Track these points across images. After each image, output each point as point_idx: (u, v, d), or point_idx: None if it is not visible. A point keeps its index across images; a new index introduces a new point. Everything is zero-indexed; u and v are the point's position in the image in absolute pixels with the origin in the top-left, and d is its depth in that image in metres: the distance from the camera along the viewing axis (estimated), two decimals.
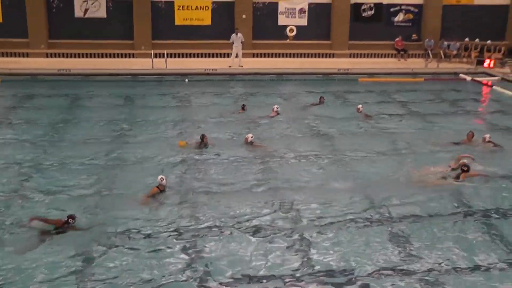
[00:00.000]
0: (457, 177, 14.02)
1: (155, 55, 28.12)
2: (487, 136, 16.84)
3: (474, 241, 11.04)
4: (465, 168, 14.05)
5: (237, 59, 28.94)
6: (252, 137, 16.53)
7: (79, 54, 30.46)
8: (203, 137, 16.31)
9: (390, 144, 17.35)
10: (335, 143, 17.29)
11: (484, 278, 9.72)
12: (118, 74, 26.95)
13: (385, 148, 16.92)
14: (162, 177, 12.90)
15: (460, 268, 10.01)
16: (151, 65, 27.55)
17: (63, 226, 10.81)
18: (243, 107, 20.71)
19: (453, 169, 14.48)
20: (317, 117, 20.21)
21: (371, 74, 28.78)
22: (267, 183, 13.83)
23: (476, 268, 10.05)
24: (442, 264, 10.09)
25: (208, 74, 27.66)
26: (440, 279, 9.62)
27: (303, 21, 32.79)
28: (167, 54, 28.15)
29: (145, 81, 26.60)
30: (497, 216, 12.25)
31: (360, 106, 20.91)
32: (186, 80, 26.64)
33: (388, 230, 11.40)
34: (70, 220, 10.85)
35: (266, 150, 16.23)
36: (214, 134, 17.51)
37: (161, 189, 12.82)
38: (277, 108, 20.35)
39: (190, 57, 31.23)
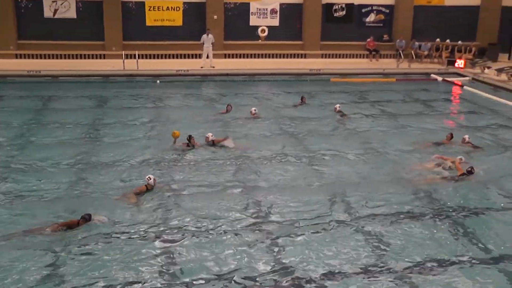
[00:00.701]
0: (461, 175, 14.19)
1: (126, 56, 27.87)
2: (466, 136, 16.96)
3: (448, 240, 11.08)
4: (472, 171, 14.13)
5: (209, 60, 28.79)
6: (212, 135, 16.43)
7: (49, 55, 30.06)
8: (190, 138, 16.12)
9: (363, 144, 17.34)
10: (308, 143, 17.20)
11: (458, 276, 9.74)
12: (89, 76, 26.68)
13: (358, 148, 16.92)
14: (149, 177, 13.00)
15: (435, 266, 10.02)
16: (123, 66, 27.33)
17: (77, 226, 10.89)
18: (227, 108, 20.61)
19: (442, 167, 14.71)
20: (293, 118, 20.19)
21: (343, 75, 28.85)
22: (244, 183, 13.69)
23: (451, 265, 10.07)
24: (416, 263, 10.10)
25: (180, 75, 27.52)
26: (415, 277, 9.63)
27: (275, 22, 32.80)
28: (138, 55, 27.93)
29: (116, 82, 26.36)
30: (471, 215, 12.29)
31: (337, 105, 21.04)
32: (158, 81, 26.46)
33: (362, 230, 11.37)
34: (81, 222, 10.91)
35: (245, 150, 16.13)
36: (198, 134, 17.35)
37: (148, 188, 12.86)
38: (255, 110, 20.23)
39: (162, 58, 31.02)
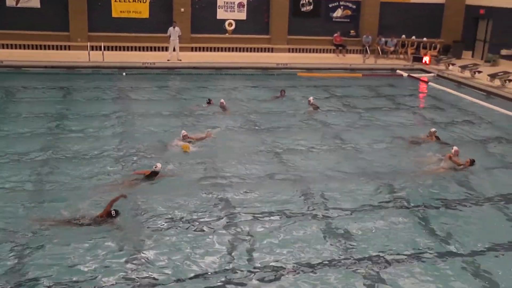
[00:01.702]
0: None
1: (92, 48, 27.46)
2: (433, 130, 17.20)
3: (412, 233, 11.21)
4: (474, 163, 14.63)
5: (175, 53, 28.56)
6: (184, 132, 16.22)
7: (11, 45, 29.35)
8: (184, 137, 15.91)
9: (330, 138, 17.44)
10: (275, 137, 17.21)
11: (423, 268, 9.88)
12: (53, 67, 26.23)
13: (324, 142, 17.03)
14: (156, 165, 13.27)
15: (399, 259, 10.14)
16: (88, 57, 26.92)
17: (106, 217, 10.92)
18: (209, 102, 20.52)
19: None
20: (259, 111, 20.25)
21: (310, 69, 28.95)
22: (214, 178, 13.67)
23: (416, 258, 10.21)
24: (381, 256, 10.20)
25: (146, 67, 27.24)
26: (381, 270, 9.72)
27: (242, 15, 32.69)
28: (104, 46, 27.53)
29: (81, 74, 25.96)
30: (435, 208, 12.46)
31: (311, 98, 21.14)
32: (124, 73, 26.16)
33: (328, 222, 11.46)
34: (113, 212, 10.92)
35: (213, 144, 16.06)
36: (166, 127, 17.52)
37: (152, 174, 13.13)
38: (224, 102, 20.29)
39: (128, 50, 30.65)
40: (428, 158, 15.52)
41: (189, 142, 15.79)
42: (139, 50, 30.83)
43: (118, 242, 10.27)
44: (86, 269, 9.32)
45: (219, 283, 9.13)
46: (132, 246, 10.16)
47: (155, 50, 30.87)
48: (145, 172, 13.29)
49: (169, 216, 11.44)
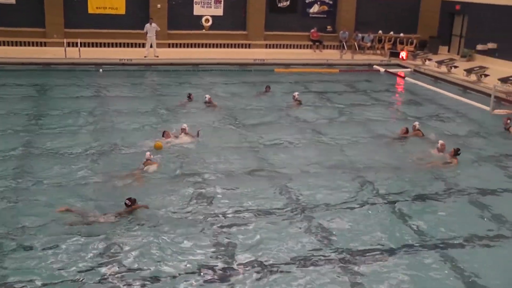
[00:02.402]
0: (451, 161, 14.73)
1: (68, 44, 27.15)
2: (416, 123, 17.30)
3: (391, 227, 11.32)
4: (459, 153, 14.81)
5: (152, 49, 28.37)
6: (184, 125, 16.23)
7: None
8: (164, 133, 15.76)
9: (307, 134, 17.50)
10: (256, 133, 17.22)
11: (403, 261, 9.99)
12: (29, 64, 25.90)
13: (302, 137, 17.06)
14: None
15: (379, 253, 10.24)
16: (64, 54, 26.63)
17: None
18: (189, 97, 20.49)
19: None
20: (238, 107, 20.24)
21: (287, 65, 28.97)
22: (193, 174, 13.62)
23: (395, 251, 10.31)
24: (361, 250, 10.28)
25: (123, 64, 27.06)
26: (361, 264, 9.81)
27: (219, 11, 32.55)
28: (81, 43, 27.23)
29: (58, 70, 25.70)
30: (414, 202, 12.61)
31: (296, 93, 21.24)
32: (101, 70, 25.94)
33: (307, 218, 11.48)
34: (127, 202, 11.17)
35: (191, 140, 15.97)
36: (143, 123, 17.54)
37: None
38: (209, 97, 20.29)
39: (104, 46, 30.31)
40: (411, 154, 15.74)
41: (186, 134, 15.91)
42: (116, 46, 30.50)
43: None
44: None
45: (201, 280, 9.14)
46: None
47: (132, 46, 30.56)
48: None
49: (148, 212, 11.38)
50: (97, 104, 20.06)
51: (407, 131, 17.31)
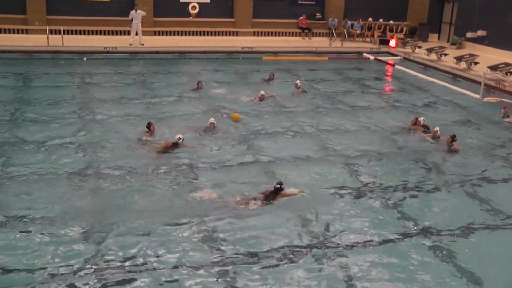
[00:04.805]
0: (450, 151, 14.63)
1: (51, 32, 26.59)
2: (422, 119, 16.83)
3: (379, 216, 11.09)
4: (455, 138, 14.68)
5: (137, 37, 27.80)
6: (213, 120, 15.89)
7: None
8: (149, 125, 15.13)
9: (295, 123, 17.11)
10: (242, 123, 16.76)
11: (390, 251, 9.75)
12: (10, 52, 25.32)
13: (291, 126, 16.73)
14: (179, 137, 13.96)
15: (367, 242, 10.01)
16: (47, 42, 26.04)
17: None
18: (198, 84, 20.28)
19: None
20: (225, 97, 19.71)
21: (275, 53, 28.59)
22: (176, 164, 13.24)
23: (383, 241, 10.10)
24: (348, 239, 10.07)
25: (107, 52, 26.52)
26: (348, 253, 9.59)
27: None
28: (64, 30, 26.66)
29: (40, 59, 25.13)
30: (403, 191, 12.34)
31: (298, 81, 20.98)
32: (85, 58, 25.41)
33: (295, 208, 11.15)
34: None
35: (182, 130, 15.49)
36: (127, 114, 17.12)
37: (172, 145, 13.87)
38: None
39: (89, 34, 29.69)
40: (404, 142, 15.63)
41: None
42: (100, 34, 29.90)
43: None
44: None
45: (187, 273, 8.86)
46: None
47: (117, 34, 29.98)
48: (167, 143, 13.94)
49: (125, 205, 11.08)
50: (81, 93, 19.57)
51: (415, 123, 16.80)
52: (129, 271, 8.78)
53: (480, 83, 21.52)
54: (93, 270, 8.76)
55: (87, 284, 8.40)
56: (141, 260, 9.10)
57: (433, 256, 9.62)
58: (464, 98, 21.16)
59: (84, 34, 29.58)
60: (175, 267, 8.97)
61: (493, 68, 23.46)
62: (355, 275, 8.94)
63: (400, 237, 10.25)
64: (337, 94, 21.09)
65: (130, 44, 27.58)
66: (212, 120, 15.81)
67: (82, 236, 9.77)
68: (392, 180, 12.92)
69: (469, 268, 9.22)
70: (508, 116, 17.94)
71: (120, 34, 29.82)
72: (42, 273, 8.63)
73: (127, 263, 9.00)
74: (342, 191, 12.12)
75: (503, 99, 20.64)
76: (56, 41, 26.20)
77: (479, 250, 9.91)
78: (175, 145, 13.84)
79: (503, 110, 18.18)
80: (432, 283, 8.81)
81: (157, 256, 9.24)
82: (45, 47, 25.92)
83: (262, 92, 19.20)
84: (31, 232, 9.80)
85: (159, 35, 30.78)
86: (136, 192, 11.65)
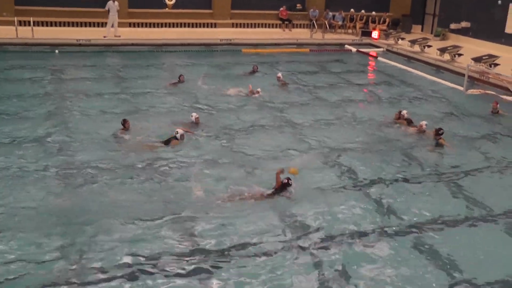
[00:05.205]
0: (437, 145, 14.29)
1: (20, 23, 25.66)
2: (405, 112, 16.37)
3: (361, 209, 10.86)
4: (441, 132, 14.37)
5: (113, 29, 26.90)
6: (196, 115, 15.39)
7: None
8: (124, 122, 14.41)
9: (277, 116, 16.66)
10: (219, 117, 16.25)
11: (371, 245, 9.54)
12: None
13: (272, 120, 16.30)
14: (177, 131, 13.64)
15: (347, 235, 9.81)
16: (15, 33, 25.12)
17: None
18: (179, 78, 19.75)
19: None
20: (200, 90, 19.14)
21: (255, 45, 27.91)
22: (148, 160, 12.70)
23: (363, 234, 9.88)
24: (330, 234, 9.78)
25: (80, 45, 25.62)
26: (329, 247, 9.37)
27: None
28: (34, 22, 25.71)
29: (8, 51, 24.17)
30: (385, 185, 12.09)
31: (280, 74, 20.62)
32: (57, 51, 24.53)
33: (274, 204, 10.76)
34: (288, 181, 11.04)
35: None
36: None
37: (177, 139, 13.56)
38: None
39: (61, 26, 28.66)
40: (388, 136, 15.31)
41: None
42: (73, 26, 28.86)
43: None
44: None
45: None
46: None
47: (91, 26, 29.00)
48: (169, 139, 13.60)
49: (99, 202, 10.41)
50: (52, 87, 18.81)
51: (399, 117, 16.32)
52: (105, 271, 8.35)
53: (464, 75, 21.23)
54: (68, 270, 8.32)
55: (60, 285, 7.96)
56: (117, 258, 8.67)
57: (416, 249, 9.42)
58: (448, 90, 20.91)
59: (56, 25, 28.53)
60: (154, 265, 8.55)
61: (477, 60, 23.09)
62: (337, 268, 8.72)
63: (385, 230, 10.01)
64: (319, 87, 20.59)
65: (105, 37, 26.65)
66: (195, 115, 15.29)
67: (54, 236, 9.27)
68: (377, 174, 12.60)
69: (451, 261, 9.06)
70: (498, 111, 17.44)
71: (94, 26, 28.87)
72: (13, 272, 8.19)
73: (103, 263, 8.55)
74: (325, 185, 11.79)
75: (487, 91, 20.31)
76: (26, 33, 25.28)
77: (462, 243, 9.76)
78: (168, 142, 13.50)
79: (492, 105, 17.66)
80: (413, 276, 8.62)
81: (134, 255, 8.78)
82: (14, 39, 24.96)
83: (258, 89, 18.75)
84: None
85: (134, 27, 29.83)
86: (111, 189, 11.24)
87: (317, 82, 21.47)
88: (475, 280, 8.56)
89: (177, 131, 13.54)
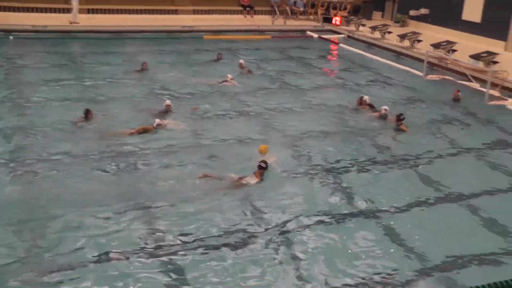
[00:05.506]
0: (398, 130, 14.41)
1: None
2: (366, 98, 16.44)
3: (325, 194, 10.85)
4: (402, 117, 14.48)
5: (72, 14, 26.26)
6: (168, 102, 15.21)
7: None
8: (87, 112, 14.04)
9: (239, 103, 16.56)
10: (187, 105, 15.97)
11: (335, 230, 9.54)
12: None
13: (234, 107, 16.16)
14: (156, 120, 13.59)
15: (314, 222, 9.75)
16: None
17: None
18: (143, 65, 19.46)
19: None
20: (164, 79, 18.80)
21: (216, 32, 27.69)
22: (116, 150, 12.47)
23: (329, 219, 9.88)
24: (297, 220, 9.77)
25: (37, 31, 24.98)
26: (296, 235, 9.30)
27: None
28: None
29: None
30: (348, 170, 12.14)
31: (242, 61, 20.52)
32: (11, 37, 23.92)
33: (242, 192, 10.68)
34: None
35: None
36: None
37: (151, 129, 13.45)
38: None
39: (16, 11, 27.87)
40: (351, 122, 15.33)
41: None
42: (29, 11, 28.11)
43: None
44: None
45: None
46: None
47: (48, 11, 28.35)
48: (146, 128, 13.47)
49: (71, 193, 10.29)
50: (5, 75, 18.28)
51: (361, 103, 16.37)
52: (67, 266, 8.06)
53: (423, 61, 21.43)
54: (29, 267, 8.01)
55: (23, 281, 7.68)
56: (80, 253, 8.40)
57: (380, 233, 9.46)
58: (408, 76, 21.17)
59: (9, 11, 27.74)
60: (118, 258, 8.33)
61: (436, 46, 23.42)
62: (307, 257, 8.65)
63: (348, 216, 10.01)
64: (282, 74, 20.56)
65: (71, 23, 26.00)
66: (168, 102, 15.14)
67: (13, 229, 8.96)
68: (340, 160, 12.62)
69: (414, 244, 9.13)
70: (459, 99, 17.63)
71: (52, 12, 28.24)
72: None
73: (64, 257, 8.27)
74: (290, 173, 11.71)
75: (446, 77, 20.59)
76: None
77: (424, 226, 9.83)
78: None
79: (454, 92, 17.89)
80: (378, 259, 8.66)
81: (99, 247, 8.54)
82: None
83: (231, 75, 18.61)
84: None
85: (92, 13, 29.25)
86: (73, 179, 10.92)
87: (280, 68, 21.44)
88: (432, 256, 8.77)
89: (155, 120, 13.53)
